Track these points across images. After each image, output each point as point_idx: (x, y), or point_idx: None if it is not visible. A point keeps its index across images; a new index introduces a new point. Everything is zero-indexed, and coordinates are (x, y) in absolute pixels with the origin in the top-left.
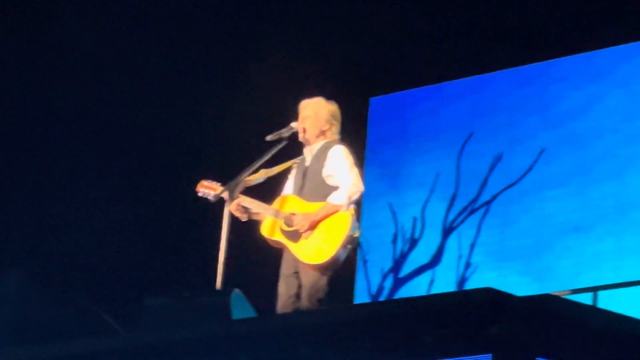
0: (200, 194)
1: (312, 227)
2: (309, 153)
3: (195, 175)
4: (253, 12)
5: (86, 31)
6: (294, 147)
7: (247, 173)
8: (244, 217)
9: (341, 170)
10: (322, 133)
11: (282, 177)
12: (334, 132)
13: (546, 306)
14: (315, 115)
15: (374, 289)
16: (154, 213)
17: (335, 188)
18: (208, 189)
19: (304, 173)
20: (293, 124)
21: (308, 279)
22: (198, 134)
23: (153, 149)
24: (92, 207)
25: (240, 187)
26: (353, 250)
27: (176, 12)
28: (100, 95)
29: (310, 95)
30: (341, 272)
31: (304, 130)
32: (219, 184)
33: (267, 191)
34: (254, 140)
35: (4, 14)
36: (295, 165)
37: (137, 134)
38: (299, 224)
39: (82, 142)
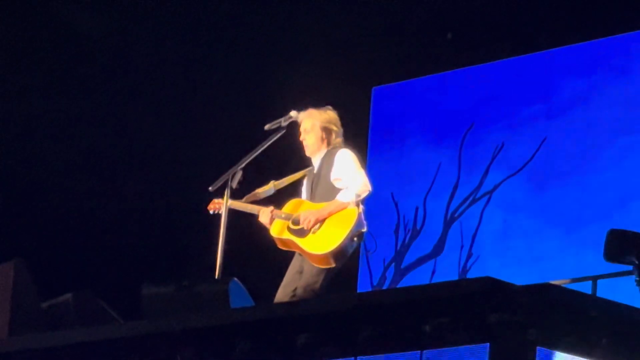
0: (211, 212)
1: (318, 222)
2: (316, 161)
3: (193, 165)
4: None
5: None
6: (305, 161)
7: (246, 161)
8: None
9: (348, 173)
10: (324, 141)
11: (291, 188)
12: (335, 137)
13: (546, 295)
14: (312, 128)
15: (375, 280)
16: (154, 202)
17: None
18: (219, 204)
19: (313, 181)
20: (292, 113)
21: (307, 273)
22: (199, 123)
23: (151, 139)
24: (91, 196)
25: (238, 176)
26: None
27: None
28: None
29: (314, 83)
30: (343, 262)
31: (306, 147)
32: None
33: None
34: (256, 130)
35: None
36: (305, 176)
37: (138, 123)
38: (306, 219)
39: (76, 133)
